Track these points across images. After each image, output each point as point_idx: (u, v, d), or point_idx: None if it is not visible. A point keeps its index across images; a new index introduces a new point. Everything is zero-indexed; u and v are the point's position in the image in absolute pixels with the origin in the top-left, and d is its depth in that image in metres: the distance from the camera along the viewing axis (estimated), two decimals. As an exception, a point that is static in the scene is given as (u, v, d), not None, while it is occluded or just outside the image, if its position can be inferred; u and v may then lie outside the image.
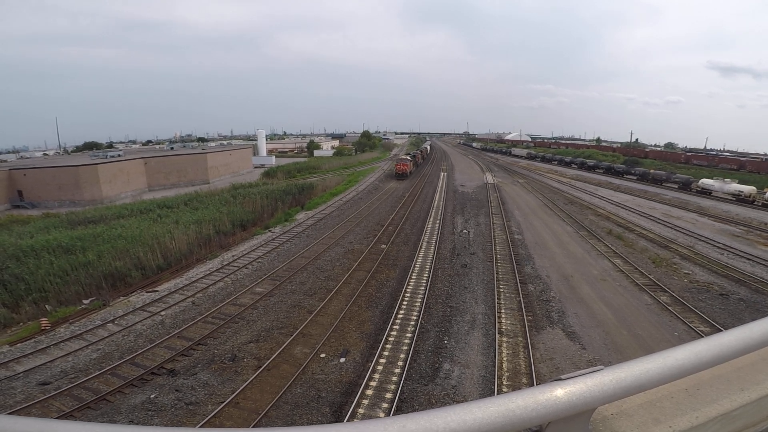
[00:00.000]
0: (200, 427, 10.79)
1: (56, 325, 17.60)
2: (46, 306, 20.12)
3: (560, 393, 1.08)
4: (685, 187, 52.06)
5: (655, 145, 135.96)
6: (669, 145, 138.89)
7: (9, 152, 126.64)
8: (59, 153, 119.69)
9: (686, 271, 22.77)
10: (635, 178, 62.25)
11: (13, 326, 18.36)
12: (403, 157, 74.20)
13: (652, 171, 60.91)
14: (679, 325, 16.66)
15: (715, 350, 1.32)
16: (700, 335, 15.66)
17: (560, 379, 1.12)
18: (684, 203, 43.13)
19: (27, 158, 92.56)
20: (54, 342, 15.84)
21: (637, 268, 22.92)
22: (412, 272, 21.80)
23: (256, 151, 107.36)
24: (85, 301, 20.66)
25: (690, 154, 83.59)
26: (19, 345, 15.87)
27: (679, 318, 17.08)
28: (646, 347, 14.96)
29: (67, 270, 23.01)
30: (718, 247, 26.92)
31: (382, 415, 11.27)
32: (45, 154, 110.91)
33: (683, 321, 16.82)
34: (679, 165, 72.64)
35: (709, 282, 21.26)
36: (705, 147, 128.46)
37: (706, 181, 49.49)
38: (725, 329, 1.48)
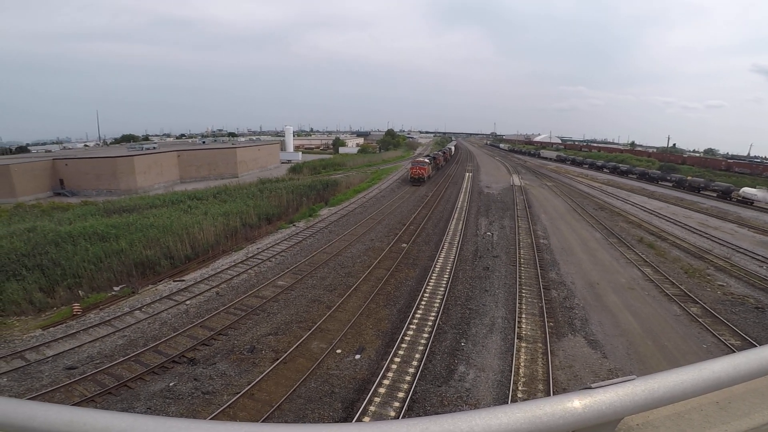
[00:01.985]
0: (210, 419, 11.04)
1: (87, 310, 18.34)
2: (80, 291, 21.02)
3: (589, 401, 1.06)
4: (724, 195, 49.69)
5: (694, 151, 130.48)
6: (709, 151, 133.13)
7: (53, 143, 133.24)
8: (99, 145, 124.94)
9: (720, 283, 21.79)
10: (671, 184, 59.91)
11: (48, 310, 19.25)
12: (420, 159, 62.74)
13: (689, 178, 58.48)
14: (708, 337, 15.99)
15: (755, 364, 1.28)
16: (730, 348, 14.99)
17: (590, 388, 1.10)
18: (723, 213, 41.22)
19: (69, 149, 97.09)
20: (83, 327, 16.47)
21: (667, 278, 22.09)
22: (433, 272, 21.67)
23: (283, 147, 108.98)
24: (115, 288, 21.46)
25: (731, 161, 79.53)
26: (51, 329, 16.57)
27: (709, 330, 16.38)
28: (671, 359, 14.42)
29: (101, 257, 23.94)
30: (758, 260, 25.61)
31: (392, 414, 11.27)
32: (86, 146, 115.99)
33: (713, 333, 16.12)
34: (719, 172, 69.35)
35: (744, 295, 20.28)
36: (749, 154, 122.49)
37: (747, 190, 47.07)
38: (759, 344, 1.43)
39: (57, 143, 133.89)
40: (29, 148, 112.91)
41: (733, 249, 27.87)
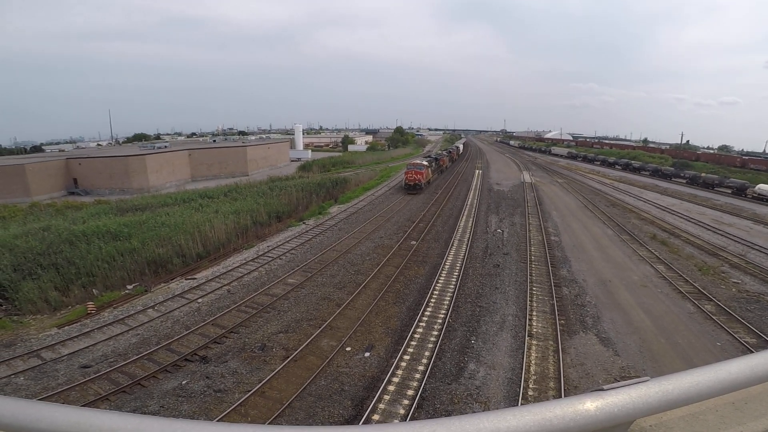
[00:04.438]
0: (217, 421, 11.15)
1: (101, 309, 18.58)
2: (93, 290, 21.33)
3: (601, 403, 1.05)
4: (739, 192, 48.85)
5: (708, 148, 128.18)
6: (723, 148, 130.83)
7: (67, 143, 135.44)
8: (111, 144, 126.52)
9: (735, 280, 21.44)
10: (684, 181, 59.09)
11: (62, 309, 19.53)
12: (417, 161, 49.96)
13: (703, 174, 57.55)
14: (722, 335, 15.77)
15: None
16: (745, 346, 14.78)
17: (602, 389, 1.09)
18: (737, 209, 40.50)
19: (82, 148, 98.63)
20: (98, 326, 16.68)
21: (681, 275, 21.80)
22: (442, 270, 21.62)
23: (293, 145, 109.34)
24: (128, 287, 21.73)
25: (746, 157, 77.94)
26: (66, 328, 16.82)
27: (724, 328, 16.15)
28: (684, 356, 14.25)
29: (114, 255, 24.20)
30: (774, 257, 25.15)
31: (401, 412, 11.28)
32: (99, 145, 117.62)
33: (728, 331, 15.90)
34: (734, 169, 68.06)
35: (760, 292, 19.93)
36: (764, 150, 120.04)
37: (763, 187, 46.17)
38: None
39: (70, 143, 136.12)
40: (43, 147, 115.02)
41: (748, 246, 27.39)
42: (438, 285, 19.78)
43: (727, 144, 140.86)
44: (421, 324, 16.08)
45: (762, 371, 1.22)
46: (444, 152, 72.88)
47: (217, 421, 9.72)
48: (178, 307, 18.30)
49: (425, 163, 48.78)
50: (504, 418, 0.97)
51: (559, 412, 1.00)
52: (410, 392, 12.13)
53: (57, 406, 0.98)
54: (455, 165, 76.35)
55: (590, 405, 1.03)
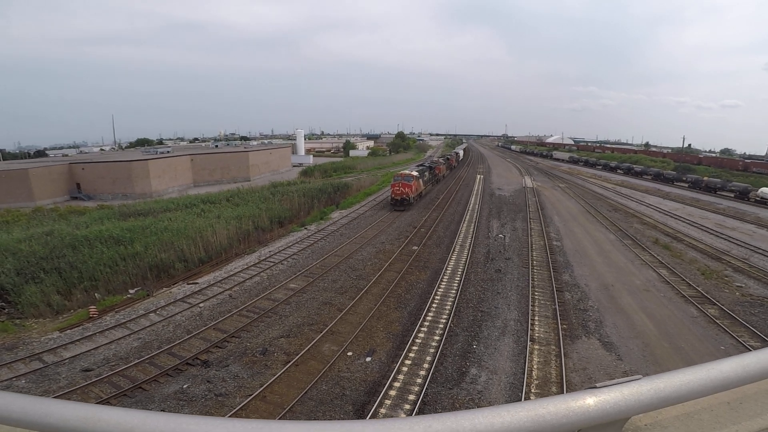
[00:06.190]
0: (220, 417, 11.09)
1: (103, 313, 18.62)
2: (96, 294, 21.36)
3: (594, 401, 1.06)
4: (742, 196, 48.78)
5: (710, 151, 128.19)
6: (725, 151, 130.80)
7: (70, 147, 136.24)
8: (114, 149, 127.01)
9: (739, 284, 21.35)
10: (687, 185, 59.04)
11: (65, 313, 19.57)
12: (405, 172, 42.51)
13: (705, 178, 57.48)
14: (726, 338, 15.70)
15: (765, 363, 1.26)
16: (748, 350, 14.66)
17: (595, 387, 1.11)
18: (740, 213, 40.37)
19: (86, 153, 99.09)
20: (100, 330, 16.72)
21: (684, 279, 21.72)
22: (444, 275, 21.59)
23: (294, 150, 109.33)
24: (131, 291, 21.75)
25: (749, 161, 77.83)
26: (68, 331, 16.85)
27: (728, 332, 16.09)
28: (687, 360, 14.20)
29: (117, 260, 24.23)
30: (777, 261, 25.04)
31: (402, 416, 11.24)
32: (102, 149, 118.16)
33: (731, 335, 15.84)
34: (737, 172, 68.00)
35: (764, 296, 19.84)
36: (767, 153, 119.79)
37: (766, 191, 46.07)
38: None
39: (74, 147, 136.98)
40: (47, 152, 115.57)
41: (751, 250, 27.30)
42: (440, 290, 19.74)
43: (729, 147, 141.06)
44: (422, 329, 16.04)
45: (755, 370, 1.23)
46: (441, 159, 67.28)
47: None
48: (180, 312, 18.31)
49: (414, 174, 42.10)
50: (499, 414, 0.98)
51: (553, 408, 1.01)
52: (412, 397, 12.10)
53: (65, 402, 1.00)
54: (456, 170, 74.85)
55: (583, 402, 1.05)
